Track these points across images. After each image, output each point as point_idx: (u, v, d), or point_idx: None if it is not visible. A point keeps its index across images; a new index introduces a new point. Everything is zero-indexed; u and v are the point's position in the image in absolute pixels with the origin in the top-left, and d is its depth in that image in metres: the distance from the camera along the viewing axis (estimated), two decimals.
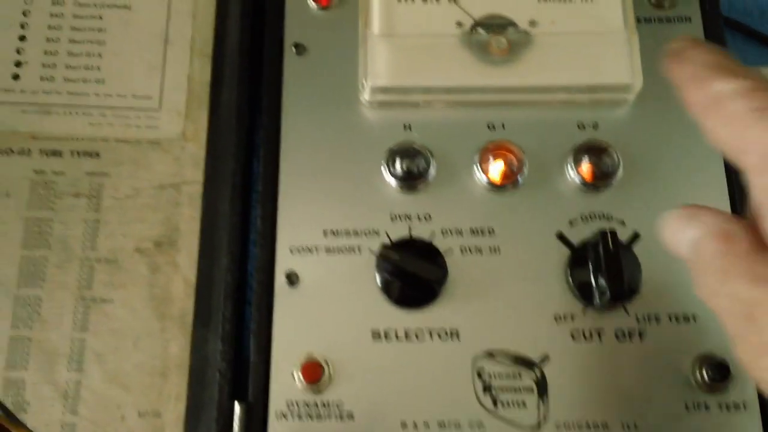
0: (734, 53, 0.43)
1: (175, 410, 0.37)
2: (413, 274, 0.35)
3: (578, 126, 0.38)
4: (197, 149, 0.41)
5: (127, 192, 0.40)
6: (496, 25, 0.38)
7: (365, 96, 0.38)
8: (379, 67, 0.38)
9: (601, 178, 0.36)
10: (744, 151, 0.24)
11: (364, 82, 0.38)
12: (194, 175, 0.41)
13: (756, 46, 0.51)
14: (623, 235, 0.35)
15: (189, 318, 0.38)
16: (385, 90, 0.38)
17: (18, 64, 0.43)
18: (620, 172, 0.36)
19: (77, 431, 0.36)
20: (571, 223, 0.36)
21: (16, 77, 0.43)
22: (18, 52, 0.43)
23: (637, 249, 0.35)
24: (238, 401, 0.35)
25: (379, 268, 0.35)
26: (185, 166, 0.41)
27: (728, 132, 0.25)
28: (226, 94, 0.42)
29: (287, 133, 0.38)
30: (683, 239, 0.27)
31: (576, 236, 0.35)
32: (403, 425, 0.33)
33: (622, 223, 0.36)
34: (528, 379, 0.34)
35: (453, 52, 0.38)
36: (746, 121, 0.24)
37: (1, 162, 0.41)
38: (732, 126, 0.25)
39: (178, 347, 0.38)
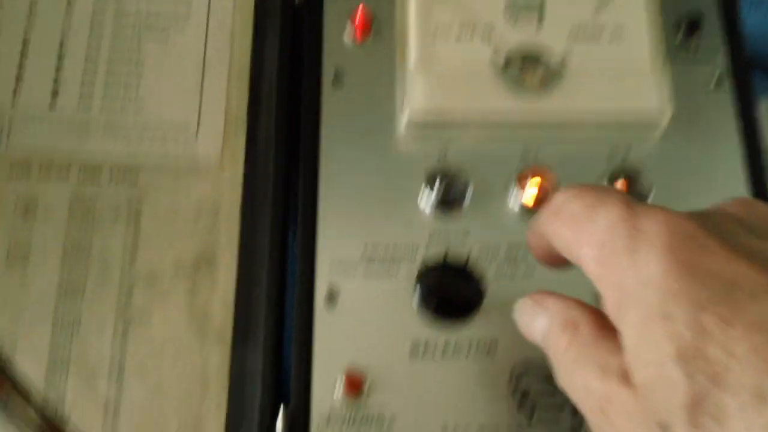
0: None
1: (216, 419, 0.40)
2: (451, 294, 0.38)
3: (609, 155, 0.42)
4: (234, 174, 0.45)
5: (166, 212, 0.44)
6: (529, 59, 0.43)
7: (402, 126, 0.42)
8: (416, 100, 0.42)
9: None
10: (582, 245, 0.27)
11: (401, 113, 0.42)
12: (231, 199, 0.45)
13: None
14: None
15: (228, 335, 0.41)
16: (421, 121, 0.42)
17: (55, 93, 0.47)
18: (651, 197, 0.40)
19: None
20: None
21: (53, 103, 0.47)
22: (55, 81, 0.48)
23: None
24: (281, 408, 0.38)
25: (420, 282, 0.39)
26: (223, 186, 0.45)
27: (568, 232, 0.28)
28: (264, 120, 0.46)
29: (325, 160, 0.42)
30: (535, 327, 0.30)
31: None
32: (444, 430, 0.37)
33: None
34: (562, 397, 0.38)
35: (487, 84, 0.42)
36: (581, 218, 0.27)
37: (40, 185, 0.44)
38: (570, 226, 0.27)
39: (217, 362, 0.41)
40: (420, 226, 0.41)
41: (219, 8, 0.49)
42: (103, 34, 0.48)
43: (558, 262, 0.31)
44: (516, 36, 0.43)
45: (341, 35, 0.45)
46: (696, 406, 0.21)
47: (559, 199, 0.29)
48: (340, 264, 0.40)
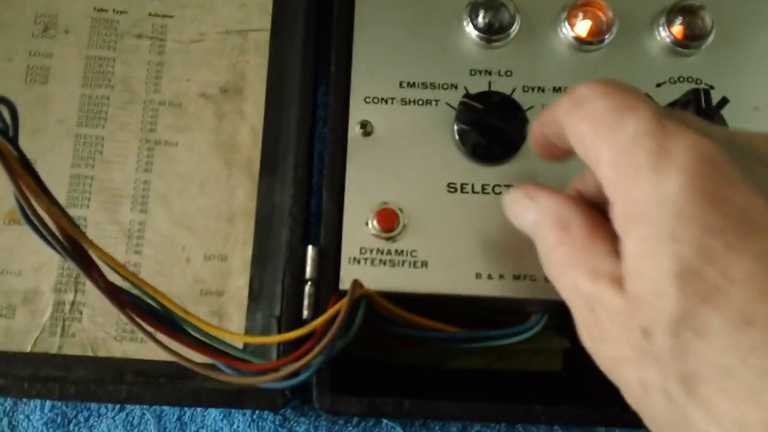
0: None
1: (241, 255, 0.39)
2: (494, 126, 0.37)
3: None
4: None
5: (192, 36, 0.42)
6: None
7: None
8: None
9: (692, 40, 0.38)
10: (601, 147, 0.26)
11: None
12: (261, 22, 0.42)
13: None
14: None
15: (255, 166, 0.40)
16: None
17: None
18: (712, 36, 0.38)
19: (142, 271, 0.39)
20: (658, 85, 0.38)
21: None
22: None
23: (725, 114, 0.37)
24: (311, 245, 0.37)
25: (459, 117, 0.37)
26: (251, 12, 0.43)
27: (588, 129, 0.27)
28: None
29: None
30: (524, 220, 0.30)
31: (662, 100, 0.37)
32: (478, 276, 0.36)
33: (711, 87, 0.38)
34: None
35: None
36: (606, 119, 0.26)
37: None
38: (592, 123, 0.26)
39: (244, 194, 0.40)
40: (462, 57, 0.39)
41: None
42: None
43: (556, 154, 0.31)
44: None
45: None
46: (681, 320, 0.22)
47: (583, 92, 0.27)
48: (376, 97, 0.38)
